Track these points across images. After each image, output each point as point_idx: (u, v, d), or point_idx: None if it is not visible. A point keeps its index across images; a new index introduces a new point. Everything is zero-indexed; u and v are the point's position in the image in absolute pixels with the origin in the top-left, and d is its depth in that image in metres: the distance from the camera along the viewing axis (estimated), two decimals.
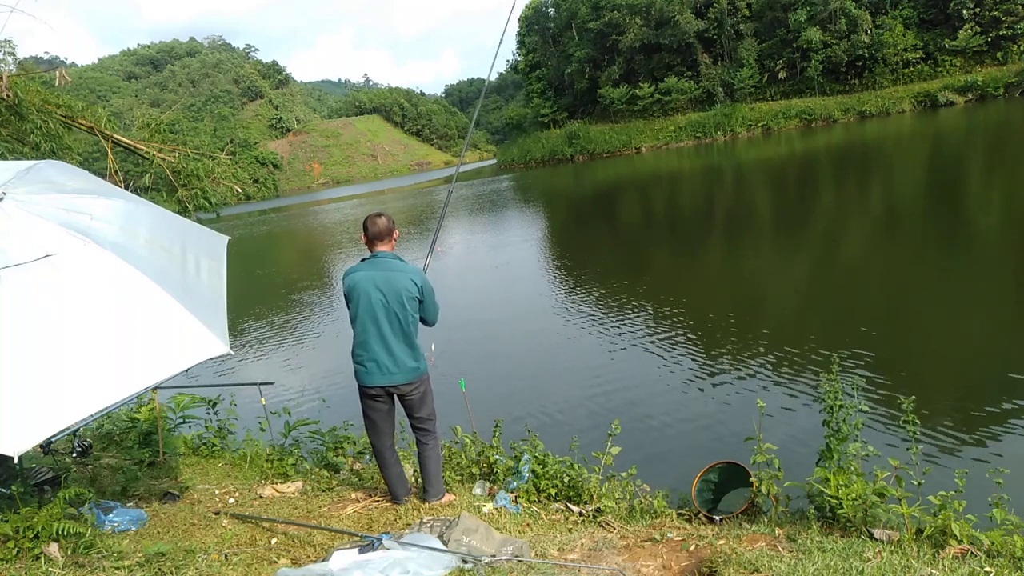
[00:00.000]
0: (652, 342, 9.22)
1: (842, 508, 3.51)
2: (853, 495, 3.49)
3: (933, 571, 2.84)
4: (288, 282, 20.06)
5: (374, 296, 3.85)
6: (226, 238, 3.81)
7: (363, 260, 3.99)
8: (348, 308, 3.97)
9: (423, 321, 4.05)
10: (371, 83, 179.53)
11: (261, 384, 6.12)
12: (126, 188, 7.04)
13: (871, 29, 47.69)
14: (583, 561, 3.46)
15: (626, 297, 11.73)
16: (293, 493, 4.70)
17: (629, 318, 10.45)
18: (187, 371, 3.02)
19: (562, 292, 13.14)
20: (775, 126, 49.34)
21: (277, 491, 4.74)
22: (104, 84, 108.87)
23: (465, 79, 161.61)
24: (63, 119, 7.39)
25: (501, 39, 7.59)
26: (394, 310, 3.85)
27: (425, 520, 3.80)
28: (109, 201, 3.26)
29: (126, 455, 5.57)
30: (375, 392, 3.97)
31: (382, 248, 3.97)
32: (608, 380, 8.09)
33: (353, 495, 4.54)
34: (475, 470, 4.79)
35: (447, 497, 4.26)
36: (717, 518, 4.07)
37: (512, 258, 18.29)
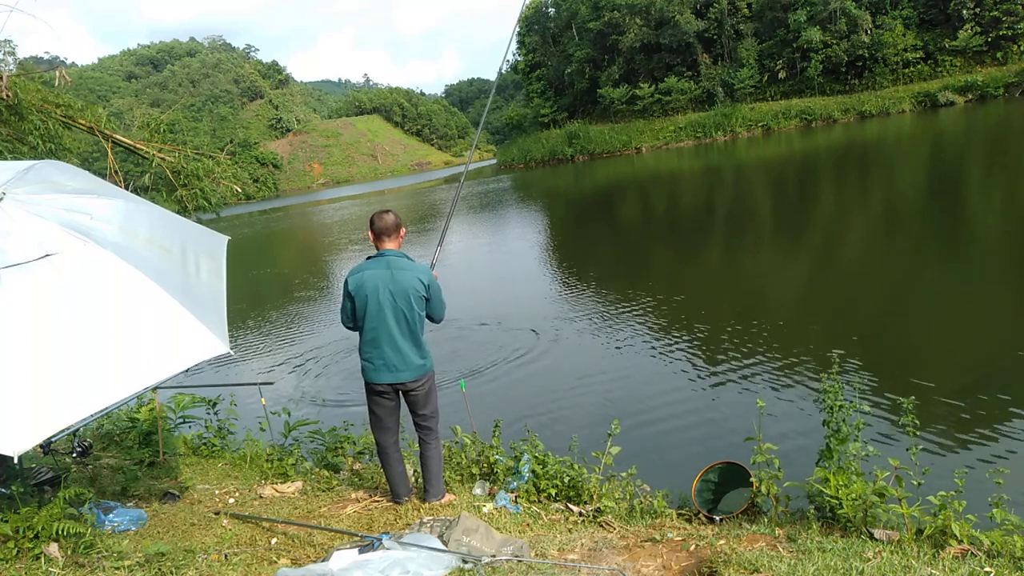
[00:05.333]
0: (652, 342, 9.22)
1: (842, 508, 3.51)
2: (853, 495, 3.49)
3: (933, 571, 2.84)
4: (288, 282, 20.06)
5: (382, 295, 3.85)
6: (226, 238, 3.81)
7: (369, 258, 3.98)
8: (348, 305, 3.97)
9: (430, 318, 4.06)
10: (371, 83, 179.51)
11: (261, 384, 6.12)
12: (126, 188, 7.04)
13: (871, 29, 47.71)
14: (583, 561, 3.46)
15: (626, 297, 11.72)
16: (293, 493, 4.70)
17: (629, 318, 10.45)
18: (187, 371, 3.02)
19: (562, 292, 13.14)
20: (775, 126, 49.34)
21: (277, 491, 4.74)
22: (104, 84, 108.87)
23: (465, 79, 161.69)
24: (63, 119, 7.39)
25: (511, 40, 7.61)
26: (401, 309, 3.87)
27: (425, 520, 3.80)
28: (109, 201, 3.26)
29: (126, 455, 5.56)
30: (382, 389, 4.01)
31: (389, 245, 3.97)
32: (608, 380, 8.09)
33: (353, 495, 4.54)
34: (475, 470, 4.78)
35: (447, 497, 4.27)
36: (717, 518, 4.07)
37: (512, 259, 18.30)
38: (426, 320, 4.07)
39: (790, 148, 37.38)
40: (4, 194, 2.96)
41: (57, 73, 7.95)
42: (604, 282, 13.40)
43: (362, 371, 4.03)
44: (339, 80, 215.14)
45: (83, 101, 8.13)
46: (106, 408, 3.55)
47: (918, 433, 3.51)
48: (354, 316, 3.99)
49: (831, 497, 3.55)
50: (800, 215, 18.06)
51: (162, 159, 7.77)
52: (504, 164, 66.57)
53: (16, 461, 2.57)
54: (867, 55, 47.87)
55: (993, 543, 3.06)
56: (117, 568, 3.19)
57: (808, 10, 49.22)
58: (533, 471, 4.49)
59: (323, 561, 3.32)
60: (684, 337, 9.15)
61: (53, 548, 3.19)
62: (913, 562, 2.94)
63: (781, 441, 4.70)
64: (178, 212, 6.88)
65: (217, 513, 4.26)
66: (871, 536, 3.35)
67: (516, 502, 4.32)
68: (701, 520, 4.14)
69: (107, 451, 5.78)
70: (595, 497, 4.33)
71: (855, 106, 47.06)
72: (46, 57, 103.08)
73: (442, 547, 3.33)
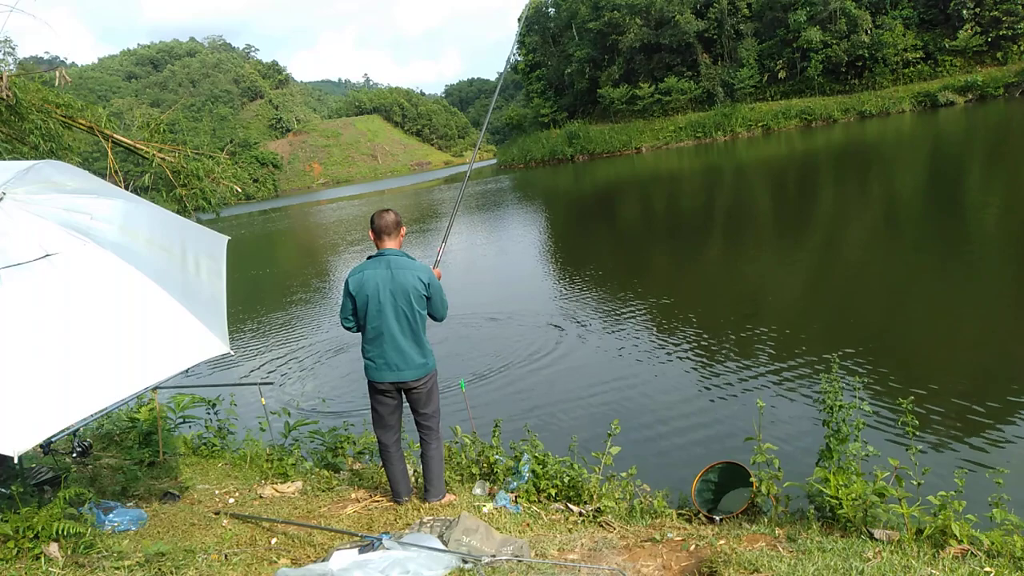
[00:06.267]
0: (652, 342, 9.22)
1: (842, 508, 3.51)
2: (853, 495, 3.49)
3: (933, 571, 2.84)
4: (288, 282, 20.06)
5: (382, 294, 3.87)
6: (226, 238, 3.81)
7: (369, 258, 3.99)
8: (349, 305, 3.98)
9: (432, 316, 4.07)
10: (371, 83, 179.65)
11: (261, 384, 6.14)
12: (126, 188, 7.03)
13: (871, 29, 47.68)
14: (583, 561, 3.46)
15: (626, 297, 11.72)
16: (293, 493, 4.70)
17: (628, 317, 10.45)
18: (187, 371, 3.02)
19: (562, 292, 13.14)
20: (775, 126, 49.30)
21: (277, 491, 4.74)
22: (104, 84, 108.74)
23: (466, 79, 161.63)
24: (63, 119, 7.38)
25: (515, 41, 7.57)
26: (402, 308, 3.88)
27: (425, 520, 3.80)
28: (109, 201, 3.26)
29: (126, 455, 5.56)
30: (384, 387, 4.04)
31: (389, 244, 3.98)
32: (608, 380, 8.08)
33: (353, 495, 4.54)
34: (475, 470, 4.79)
35: (447, 497, 4.27)
36: (717, 518, 4.07)
37: (512, 259, 18.29)
38: (429, 319, 4.08)
39: (790, 148, 37.38)
40: (4, 194, 2.96)
41: (57, 73, 7.93)
42: (603, 282, 13.39)
43: (365, 370, 4.06)
44: (339, 80, 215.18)
45: (83, 101, 8.11)
46: (106, 408, 3.55)
47: (918, 433, 3.51)
48: (355, 316, 4.00)
49: (831, 497, 3.55)
50: (800, 215, 18.04)
51: (162, 159, 7.75)
52: (504, 164, 66.55)
53: (16, 461, 2.57)
54: (867, 55, 47.83)
55: (993, 543, 3.06)
56: (117, 568, 3.19)
57: (808, 10, 49.18)
58: (533, 471, 4.49)
59: (323, 561, 3.32)
60: (684, 336, 9.15)
61: (53, 548, 3.19)
62: (913, 562, 2.94)
63: (781, 441, 4.71)
64: (178, 212, 6.87)
65: (217, 513, 4.26)
66: (871, 536, 3.35)
67: (516, 502, 4.32)
68: (701, 520, 4.14)
69: (107, 451, 5.78)
70: (595, 497, 4.33)
71: (855, 106, 47.02)
72: (46, 57, 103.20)
73: (442, 547, 3.33)
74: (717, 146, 47.39)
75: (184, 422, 6.19)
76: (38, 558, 3.12)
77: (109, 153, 7.56)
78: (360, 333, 4.05)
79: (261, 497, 4.66)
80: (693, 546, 3.50)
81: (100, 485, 4.71)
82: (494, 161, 76.62)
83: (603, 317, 10.73)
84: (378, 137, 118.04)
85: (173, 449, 5.74)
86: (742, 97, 53.07)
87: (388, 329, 3.90)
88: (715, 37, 55.16)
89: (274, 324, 14.19)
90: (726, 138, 50.37)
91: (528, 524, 4.08)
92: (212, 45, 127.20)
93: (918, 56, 46.67)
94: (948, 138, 30.35)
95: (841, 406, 3.76)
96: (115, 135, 7.64)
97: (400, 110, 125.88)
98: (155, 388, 5.41)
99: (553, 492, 4.44)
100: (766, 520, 3.83)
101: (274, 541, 3.82)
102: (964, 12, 44.41)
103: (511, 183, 46.29)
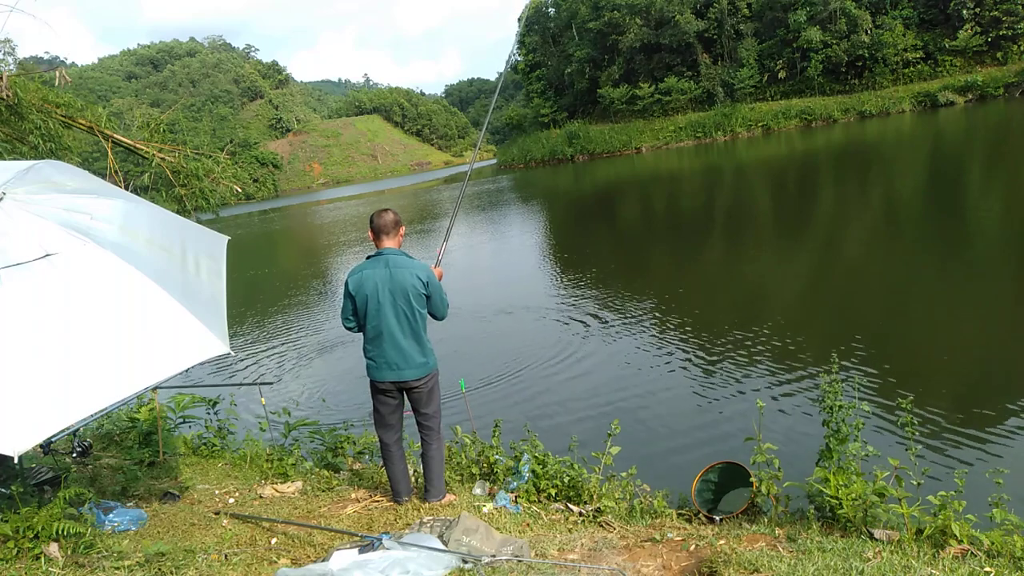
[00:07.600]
0: (651, 341, 9.22)
1: (842, 508, 3.51)
2: (853, 495, 3.49)
3: (933, 571, 2.84)
4: (288, 282, 20.05)
5: (381, 294, 3.87)
6: (226, 238, 3.81)
7: (368, 258, 4.00)
8: (349, 305, 3.98)
9: (432, 316, 4.07)
10: (371, 83, 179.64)
11: (261, 384, 6.13)
12: (126, 188, 7.03)
13: (871, 29, 47.68)
14: (583, 561, 3.46)
15: (625, 297, 11.72)
16: (293, 493, 4.70)
17: (628, 318, 10.45)
18: (187, 371, 3.02)
19: (561, 293, 13.14)
20: (775, 126, 49.29)
21: (277, 491, 4.74)
22: (104, 84, 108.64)
23: (466, 79, 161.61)
24: (63, 119, 7.37)
25: (515, 42, 7.53)
26: (401, 308, 3.89)
27: (425, 520, 3.80)
28: (109, 201, 3.26)
29: (126, 455, 5.56)
30: (385, 387, 4.05)
31: (388, 244, 3.98)
32: (607, 380, 8.09)
33: (353, 495, 4.54)
34: (475, 470, 4.79)
35: (448, 497, 4.27)
36: (717, 518, 4.07)
37: (511, 260, 18.29)
38: (430, 318, 4.08)
39: (790, 148, 37.37)
40: (4, 194, 2.96)
41: (57, 73, 7.93)
42: (603, 282, 13.39)
43: (366, 369, 4.06)
44: (339, 80, 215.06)
45: (83, 101, 8.10)
46: (106, 408, 3.55)
47: (918, 433, 3.51)
48: (355, 316, 4.01)
49: (831, 497, 3.55)
50: (800, 215, 18.05)
51: (162, 159, 7.75)
52: (504, 164, 66.54)
53: (16, 461, 2.57)
54: (867, 55, 47.82)
55: (993, 543, 3.06)
56: (117, 568, 3.19)
57: (808, 10, 49.17)
58: (533, 471, 4.49)
59: (323, 561, 3.32)
60: (683, 336, 9.15)
61: (53, 548, 3.19)
62: (913, 562, 2.94)
63: (781, 441, 4.71)
64: (178, 212, 6.86)
65: (217, 513, 4.26)
66: (871, 536, 3.35)
67: (516, 502, 4.32)
68: (701, 520, 4.14)
69: (107, 451, 5.77)
70: (595, 497, 4.33)
71: (855, 106, 47.01)
72: (46, 57, 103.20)
73: (442, 547, 3.33)
74: (717, 146, 47.39)
75: (184, 422, 6.19)
76: (38, 558, 3.12)
77: (109, 153, 7.56)
78: (361, 333, 4.06)
79: (261, 497, 4.66)
80: (693, 546, 3.50)
81: (100, 485, 4.71)
82: (494, 161, 76.58)
83: (603, 317, 10.72)
84: (378, 137, 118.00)
85: (173, 449, 5.74)
86: (742, 97, 53.06)
87: (388, 328, 3.90)
88: (715, 37, 55.15)
89: (274, 324, 14.19)
90: (726, 138, 50.36)
91: (528, 524, 4.08)
92: (212, 45, 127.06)
93: (918, 56, 46.66)
94: (948, 138, 30.36)
95: (841, 406, 3.76)
96: (115, 135, 7.64)
97: (400, 110, 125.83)
98: (155, 388, 5.41)
99: (553, 492, 4.44)
100: (766, 520, 3.83)
101: (274, 541, 3.82)
102: (964, 12, 44.41)
103: (511, 183, 46.29)
